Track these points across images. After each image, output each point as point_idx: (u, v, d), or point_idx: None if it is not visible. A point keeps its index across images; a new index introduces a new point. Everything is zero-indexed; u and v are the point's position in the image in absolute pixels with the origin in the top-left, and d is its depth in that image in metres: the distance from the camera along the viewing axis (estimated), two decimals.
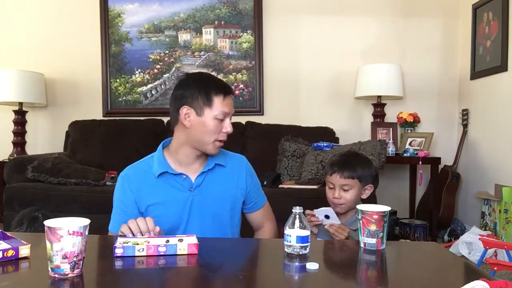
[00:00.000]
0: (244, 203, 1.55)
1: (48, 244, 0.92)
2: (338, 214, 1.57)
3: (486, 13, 3.29)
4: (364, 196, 1.64)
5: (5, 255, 1.02)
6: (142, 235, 1.19)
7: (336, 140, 3.36)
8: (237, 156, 1.58)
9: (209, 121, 1.37)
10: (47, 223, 0.93)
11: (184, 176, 1.43)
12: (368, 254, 1.14)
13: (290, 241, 1.09)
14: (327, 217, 1.52)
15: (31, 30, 3.74)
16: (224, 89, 1.40)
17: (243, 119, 3.47)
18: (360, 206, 1.19)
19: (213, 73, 3.67)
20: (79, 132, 3.37)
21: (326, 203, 1.64)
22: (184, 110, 1.38)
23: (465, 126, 3.48)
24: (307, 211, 1.53)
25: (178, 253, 1.08)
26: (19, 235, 1.16)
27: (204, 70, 3.65)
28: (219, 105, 1.37)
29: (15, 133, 3.56)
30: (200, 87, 1.39)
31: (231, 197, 1.49)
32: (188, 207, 1.42)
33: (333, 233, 1.49)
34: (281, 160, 3.13)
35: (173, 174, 1.42)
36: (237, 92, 3.70)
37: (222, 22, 3.71)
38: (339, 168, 1.59)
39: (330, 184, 1.61)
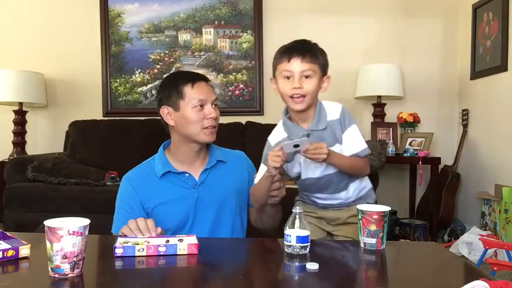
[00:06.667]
0: None
1: (48, 244, 0.92)
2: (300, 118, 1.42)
3: (486, 13, 3.28)
4: (322, 90, 1.43)
5: (5, 255, 1.02)
6: (143, 235, 1.19)
7: None
8: (236, 152, 1.61)
9: (187, 112, 1.40)
10: (47, 223, 0.93)
11: (187, 175, 1.45)
12: (368, 254, 1.14)
13: (290, 241, 1.09)
14: (296, 146, 1.26)
15: (31, 30, 3.74)
16: (191, 77, 1.43)
17: (243, 119, 3.47)
18: (360, 206, 1.19)
19: (213, 73, 3.68)
20: (79, 132, 3.37)
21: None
22: (164, 110, 1.44)
23: (465, 126, 3.48)
24: (271, 152, 1.28)
25: (178, 253, 1.08)
26: (19, 235, 1.16)
27: (204, 70, 3.65)
28: (190, 93, 1.40)
29: (15, 133, 3.56)
30: (170, 84, 1.45)
31: (236, 191, 1.51)
32: (193, 203, 1.44)
33: (312, 158, 1.29)
34: None
35: (176, 173, 1.44)
36: (237, 92, 3.70)
37: (222, 22, 3.71)
38: (301, 52, 1.38)
39: (286, 73, 1.39)
